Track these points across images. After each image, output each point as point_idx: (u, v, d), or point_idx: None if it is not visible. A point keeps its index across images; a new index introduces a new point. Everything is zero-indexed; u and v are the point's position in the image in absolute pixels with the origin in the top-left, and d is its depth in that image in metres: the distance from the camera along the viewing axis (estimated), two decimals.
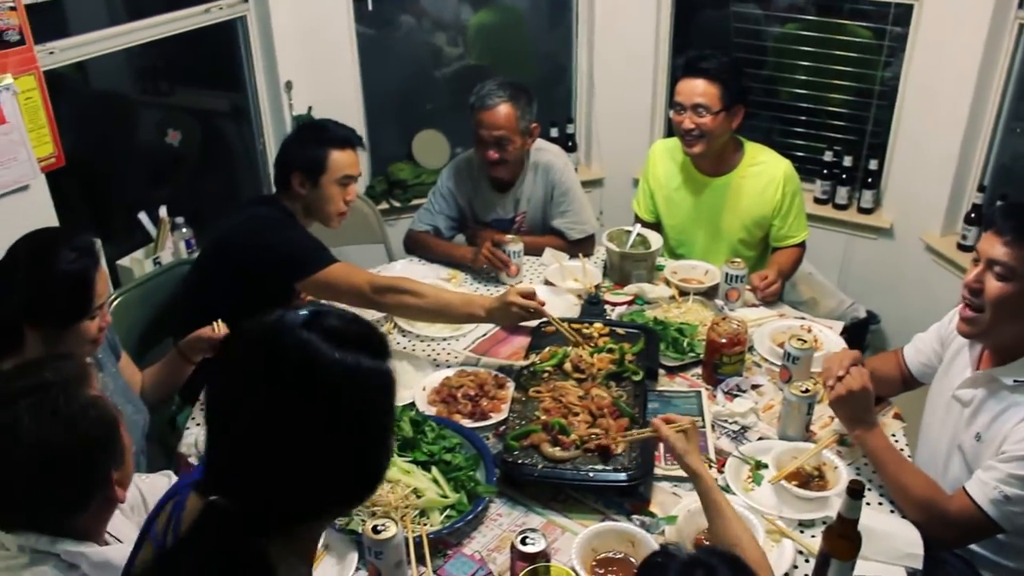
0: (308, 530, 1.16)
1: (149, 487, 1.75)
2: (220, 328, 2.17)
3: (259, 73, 3.50)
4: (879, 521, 1.82)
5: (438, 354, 2.48)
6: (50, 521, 1.40)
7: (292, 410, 1.04)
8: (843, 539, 1.64)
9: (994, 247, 1.81)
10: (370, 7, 3.64)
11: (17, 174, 2.51)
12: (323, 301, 2.59)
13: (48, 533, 1.39)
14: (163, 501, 1.24)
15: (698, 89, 2.70)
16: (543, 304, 2.37)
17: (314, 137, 2.53)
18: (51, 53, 2.68)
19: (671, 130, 2.94)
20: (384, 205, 3.87)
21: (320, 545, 1.68)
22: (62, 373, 1.42)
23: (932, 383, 2.13)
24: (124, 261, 3.10)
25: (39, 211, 2.62)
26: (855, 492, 1.61)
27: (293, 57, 3.50)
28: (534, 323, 2.45)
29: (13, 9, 2.42)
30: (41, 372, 1.43)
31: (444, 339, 2.53)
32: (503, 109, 2.80)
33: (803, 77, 3.89)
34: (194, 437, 2.13)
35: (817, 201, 3.82)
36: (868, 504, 1.89)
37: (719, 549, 1.24)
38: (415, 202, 3.85)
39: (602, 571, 1.73)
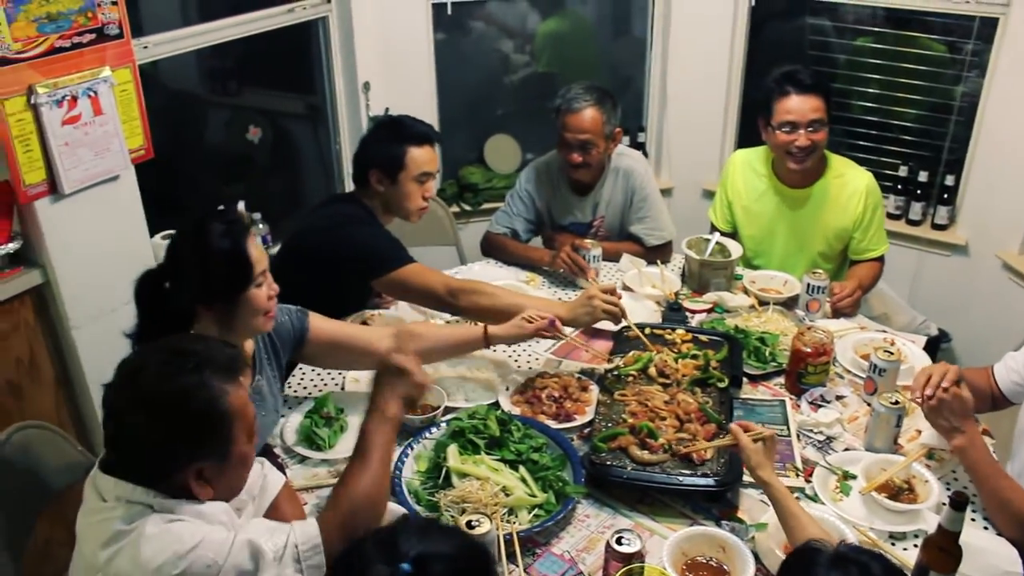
0: None
1: None
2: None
3: (338, 73, 3.56)
4: (975, 536, 1.79)
5: (519, 356, 2.49)
6: (138, 477, 1.42)
7: None
8: (943, 552, 1.62)
9: None
10: (449, 12, 3.67)
11: (110, 164, 2.58)
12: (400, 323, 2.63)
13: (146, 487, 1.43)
14: None
15: (812, 104, 2.68)
16: (621, 298, 2.37)
17: (392, 134, 2.55)
18: (145, 47, 2.75)
19: (744, 141, 2.93)
20: (455, 208, 3.90)
21: None
22: (209, 352, 1.44)
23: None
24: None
25: (127, 201, 2.69)
26: (958, 504, 1.58)
27: (372, 59, 3.56)
28: (615, 327, 2.45)
29: (115, 3, 2.48)
30: (195, 344, 1.47)
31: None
32: (589, 113, 2.81)
33: (876, 91, 3.86)
34: (278, 429, 2.17)
35: (890, 216, 3.78)
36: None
37: (865, 548, 1.23)
38: (486, 206, 3.88)
39: (692, 575, 1.73)
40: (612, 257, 2.93)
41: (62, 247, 2.51)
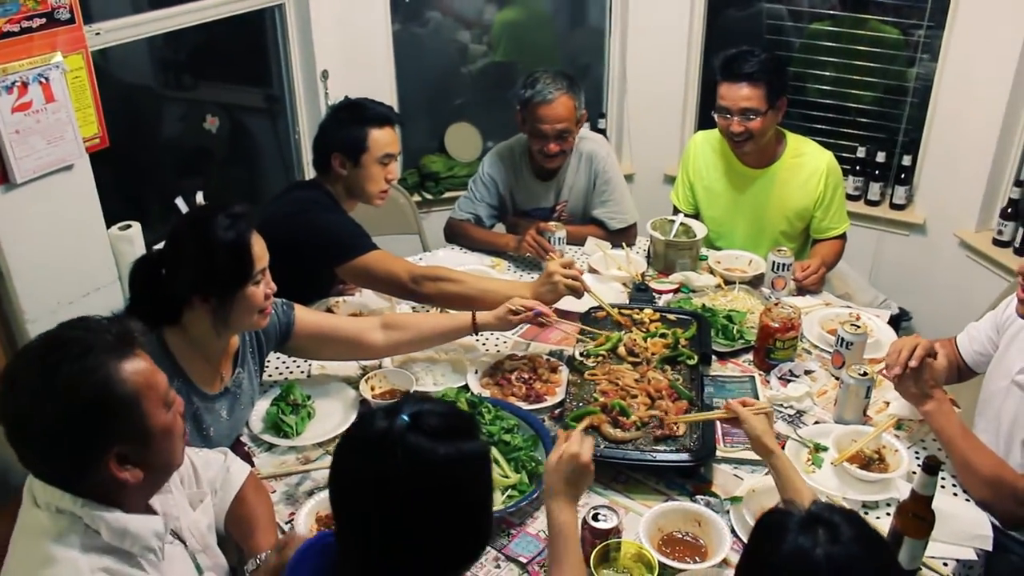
0: None
1: (203, 461, 1.74)
2: None
3: (296, 62, 3.51)
4: (947, 503, 1.82)
5: (486, 340, 2.47)
6: (61, 479, 1.37)
7: (415, 504, 1.21)
8: (917, 517, 1.64)
9: None
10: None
11: (63, 152, 2.50)
12: (363, 288, 2.59)
13: (72, 492, 1.36)
14: None
15: (743, 93, 2.68)
16: (582, 273, 2.38)
17: (353, 117, 2.52)
18: (97, 34, 2.68)
19: (703, 126, 2.94)
20: (416, 198, 3.87)
21: None
22: (91, 334, 1.37)
23: (988, 370, 2.13)
24: (161, 246, 3.08)
25: (82, 191, 2.61)
26: (931, 468, 1.60)
27: (330, 47, 3.51)
28: (583, 308, 2.44)
29: None
30: (74, 330, 1.38)
31: None
32: (564, 101, 2.80)
33: (832, 74, 3.91)
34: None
35: (849, 197, 3.80)
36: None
37: (836, 506, 1.23)
38: (447, 195, 3.86)
39: (668, 550, 1.72)
40: (577, 241, 2.93)
41: (15, 238, 2.43)
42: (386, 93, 3.71)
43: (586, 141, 3.00)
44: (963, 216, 3.57)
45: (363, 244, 2.41)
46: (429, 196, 3.94)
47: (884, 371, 2.08)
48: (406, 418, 1.24)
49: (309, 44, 3.46)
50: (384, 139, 2.51)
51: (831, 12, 3.90)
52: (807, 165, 2.84)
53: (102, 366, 1.34)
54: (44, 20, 2.39)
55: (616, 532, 1.67)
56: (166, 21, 2.96)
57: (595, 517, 1.68)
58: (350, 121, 2.51)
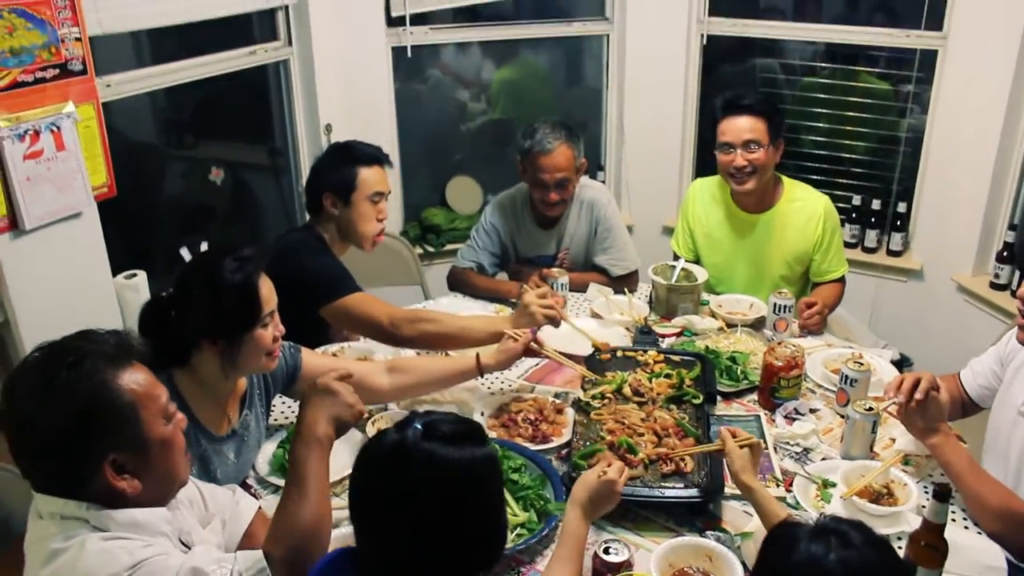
0: None
1: (210, 491, 1.74)
2: None
3: (299, 116, 3.57)
4: (959, 535, 1.81)
5: (492, 383, 2.47)
6: (63, 488, 1.38)
7: (434, 509, 1.26)
8: (929, 546, 1.63)
9: None
10: (409, 54, 3.72)
11: (72, 200, 2.54)
12: (346, 334, 2.61)
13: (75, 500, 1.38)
14: None
15: (746, 125, 2.75)
16: (562, 304, 2.44)
17: (342, 157, 2.59)
18: (108, 86, 2.73)
19: (700, 176, 3.00)
20: (418, 250, 3.90)
21: None
22: (89, 344, 1.40)
23: (994, 403, 2.14)
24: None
25: (90, 239, 2.64)
26: (941, 495, 1.60)
27: (333, 101, 3.57)
28: (588, 351, 2.45)
29: (78, 40, 2.48)
30: (74, 340, 1.41)
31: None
32: (563, 151, 2.85)
33: (826, 125, 3.99)
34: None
35: (846, 245, 3.84)
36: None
37: (844, 518, 1.23)
38: (449, 247, 3.89)
39: None
40: (579, 288, 2.94)
41: (22, 284, 2.45)
42: (388, 147, 3.74)
43: (587, 189, 3.04)
44: (960, 261, 3.61)
45: (345, 286, 2.43)
46: (431, 248, 3.97)
47: (887, 409, 2.08)
48: (419, 427, 1.30)
49: (313, 98, 3.53)
50: (373, 177, 2.57)
51: (822, 64, 3.99)
52: (805, 209, 2.89)
53: (98, 372, 1.36)
54: (57, 71, 2.45)
55: (628, 565, 1.66)
56: (175, 74, 3.03)
57: (606, 551, 1.67)
58: (340, 161, 2.58)
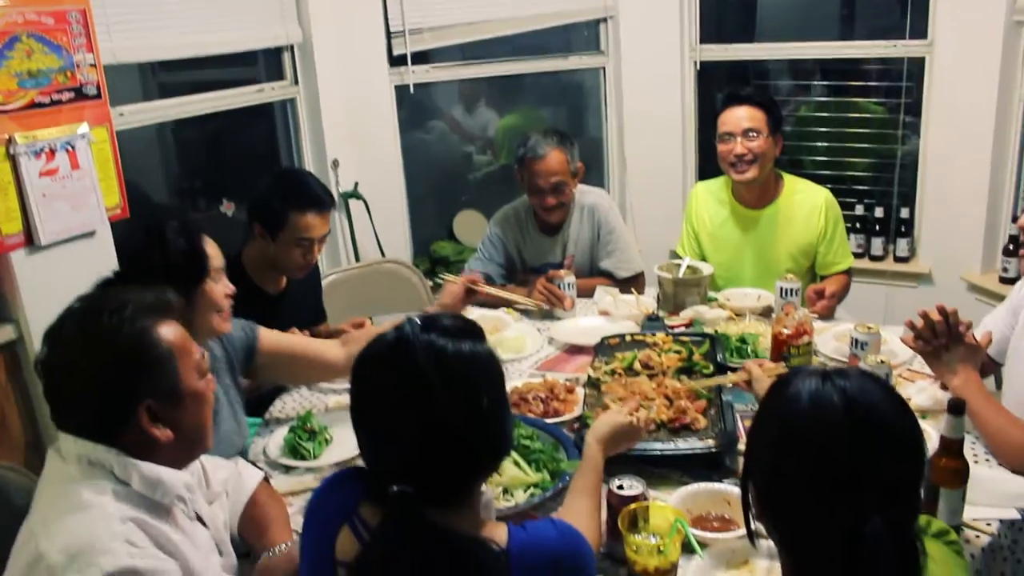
0: (470, 494, 1.34)
1: (213, 464, 1.74)
2: None
3: (307, 151, 3.66)
4: (981, 470, 1.78)
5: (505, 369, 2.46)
6: (95, 431, 1.40)
7: (438, 402, 1.25)
8: (950, 465, 1.60)
9: None
10: (411, 91, 3.84)
11: (86, 219, 2.59)
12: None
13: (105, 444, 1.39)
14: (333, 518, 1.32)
15: (746, 115, 2.82)
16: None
17: (281, 191, 2.53)
18: (121, 115, 2.83)
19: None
20: (429, 283, 3.93)
21: None
22: (130, 295, 1.44)
23: (1009, 351, 2.12)
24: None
25: (103, 258, 2.66)
26: (956, 408, 1.59)
27: (339, 137, 3.68)
28: (596, 340, 2.46)
29: (93, 66, 2.58)
30: (116, 292, 1.50)
31: (507, 361, 2.52)
32: (556, 155, 2.92)
33: (825, 144, 4.07)
34: (261, 446, 2.15)
35: (854, 255, 3.87)
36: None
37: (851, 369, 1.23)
38: None
39: (699, 529, 1.68)
40: (586, 293, 2.96)
41: (36, 301, 2.48)
42: (394, 181, 3.86)
43: (587, 195, 3.10)
44: (967, 259, 3.62)
45: None
46: (440, 281, 3.99)
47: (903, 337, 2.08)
48: (418, 320, 1.31)
49: (320, 135, 3.64)
50: (303, 224, 2.49)
51: (816, 83, 4.08)
52: (806, 202, 2.92)
53: (140, 319, 1.40)
54: (73, 94, 2.53)
55: (643, 498, 1.64)
56: (185, 107, 3.15)
57: (620, 487, 1.65)
58: (276, 196, 2.52)
